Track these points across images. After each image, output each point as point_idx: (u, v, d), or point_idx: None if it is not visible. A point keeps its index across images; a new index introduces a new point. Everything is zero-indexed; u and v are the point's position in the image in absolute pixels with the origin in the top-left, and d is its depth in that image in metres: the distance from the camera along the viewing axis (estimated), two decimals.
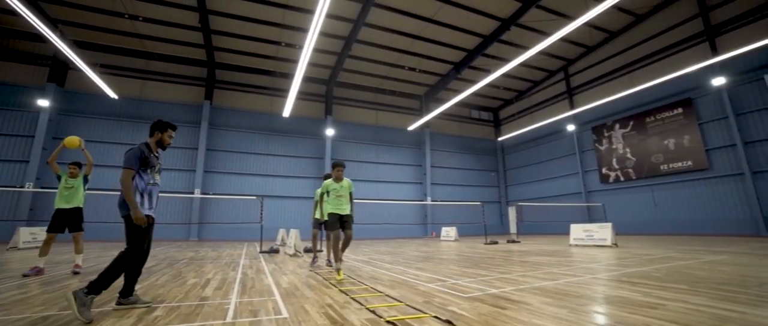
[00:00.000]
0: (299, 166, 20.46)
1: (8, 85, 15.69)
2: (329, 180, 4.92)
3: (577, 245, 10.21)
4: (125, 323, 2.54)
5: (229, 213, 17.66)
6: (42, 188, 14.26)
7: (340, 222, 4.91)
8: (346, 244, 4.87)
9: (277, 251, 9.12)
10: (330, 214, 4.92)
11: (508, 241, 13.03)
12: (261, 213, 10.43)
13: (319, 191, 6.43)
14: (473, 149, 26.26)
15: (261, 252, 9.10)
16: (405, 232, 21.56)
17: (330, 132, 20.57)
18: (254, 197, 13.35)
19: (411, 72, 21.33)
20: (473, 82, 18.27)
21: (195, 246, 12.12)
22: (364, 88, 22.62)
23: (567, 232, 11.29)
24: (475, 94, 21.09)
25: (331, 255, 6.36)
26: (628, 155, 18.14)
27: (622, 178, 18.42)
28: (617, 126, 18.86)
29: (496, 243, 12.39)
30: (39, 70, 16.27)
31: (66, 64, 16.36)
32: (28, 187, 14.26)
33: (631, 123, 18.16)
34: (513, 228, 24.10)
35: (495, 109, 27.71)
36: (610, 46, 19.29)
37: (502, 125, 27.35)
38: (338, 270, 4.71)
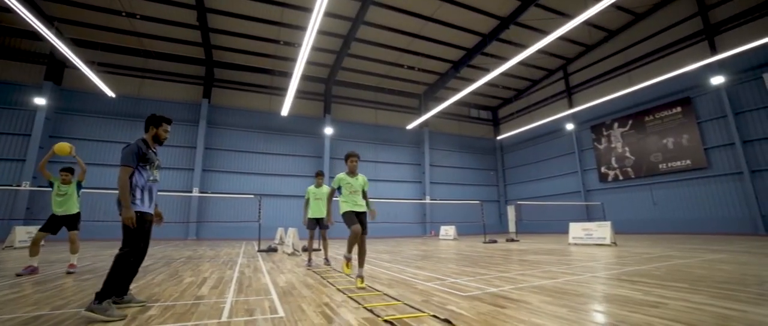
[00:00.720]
0: (298, 165, 20.41)
1: (4, 83, 15.58)
2: (342, 174, 4.18)
3: (576, 244, 10.20)
4: (119, 322, 2.50)
5: (228, 212, 17.60)
6: (39, 187, 14.16)
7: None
8: (362, 252, 4.09)
9: (275, 250, 9.08)
10: (346, 213, 4.04)
11: (507, 240, 13.00)
12: (259, 212, 10.40)
13: (310, 189, 6.37)
14: (472, 148, 26.23)
15: (259, 251, 9.06)
16: (404, 231, 21.54)
17: (329, 131, 20.52)
18: (252, 196, 13.33)
19: (410, 71, 21.27)
20: (472, 80, 18.26)
21: (193, 245, 12.06)
22: (363, 87, 22.55)
23: (566, 231, 11.28)
24: (474, 92, 21.09)
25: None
26: (627, 154, 18.14)
27: (620, 177, 18.41)
28: (616, 125, 18.85)
29: (495, 241, 12.36)
30: (36, 68, 16.17)
31: (63, 63, 16.25)
32: (24, 186, 14.18)
33: (630, 122, 18.15)
34: (512, 227, 24.15)
35: (494, 108, 27.68)
36: (609, 44, 19.26)
37: (501, 124, 27.32)
38: (360, 278, 3.95)
